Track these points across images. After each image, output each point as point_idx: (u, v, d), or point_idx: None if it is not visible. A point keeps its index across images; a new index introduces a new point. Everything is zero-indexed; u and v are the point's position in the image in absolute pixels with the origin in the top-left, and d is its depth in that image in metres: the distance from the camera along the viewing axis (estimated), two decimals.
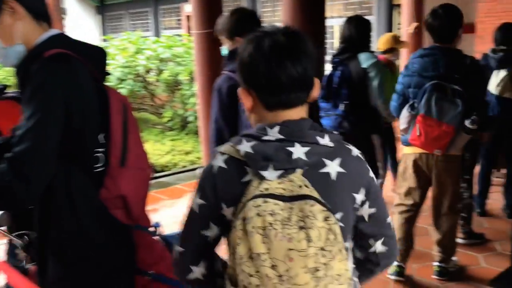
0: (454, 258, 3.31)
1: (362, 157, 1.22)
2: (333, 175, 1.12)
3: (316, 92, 1.18)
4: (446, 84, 2.76)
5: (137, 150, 1.63)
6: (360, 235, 1.26)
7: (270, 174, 1.06)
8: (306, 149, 1.09)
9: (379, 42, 4.66)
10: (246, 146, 1.09)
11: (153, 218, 1.73)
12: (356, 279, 1.28)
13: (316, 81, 1.18)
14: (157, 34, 14.15)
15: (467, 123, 2.76)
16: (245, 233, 1.02)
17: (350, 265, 1.19)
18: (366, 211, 1.22)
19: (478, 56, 7.95)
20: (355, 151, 1.21)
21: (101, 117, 1.51)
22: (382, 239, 1.27)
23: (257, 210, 1.01)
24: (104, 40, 10.80)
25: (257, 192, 1.04)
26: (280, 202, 1.02)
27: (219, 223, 1.16)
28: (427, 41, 8.37)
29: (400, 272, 3.18)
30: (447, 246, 3.16)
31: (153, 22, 15.11)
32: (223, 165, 1.13)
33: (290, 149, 1.08)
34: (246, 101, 1.17)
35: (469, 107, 2.74)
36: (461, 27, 2.92)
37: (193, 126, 7.97)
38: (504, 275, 3.05)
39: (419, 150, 2.94)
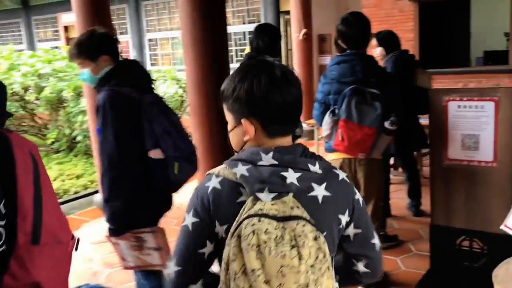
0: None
1: (348, 180, 1.30)
2: (320, 199, 1.20)
3: None
4: (364, 88, 2.82)
5: (54, 217, 1.26)
6: (345, 254, 1.34)
7: (265, 196, 1.12)
8: (298, 174, 1.16)
9: None
10: (242, 170, 1.16)
11: None
12: None
13: None
14: (31, 47, 13.05)
15: (386, 124, 2.82)
16: (240, 250, 1.07)
17: (335, 283, 1.27)
18: (351, 231, 1.29)
19: None
20: (342, 175, 1.29)
21: None
22: (365, 261, 1.35)
23: (253, 228, 1.07)
24: None
25: (252, 212, 1.10)
26: (274, 222, 1.08)
27: (213, 240, 1.20)
28: (315, 46, 8.59)
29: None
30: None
31: (26, 34, 13.88)
32: (218, 186, 1.19)
33: (284, 174, 1.15)
34: (249, 130, 1.21)
35: (387, 109, 2.82)
36: (371, 35, 3.05)
37: (82, 147, 7.32)
38: (427, 278, 3.08)
39: (343, 156, 2.96)
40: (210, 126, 3.80)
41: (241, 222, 1.10)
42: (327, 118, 2.90)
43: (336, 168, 1.28)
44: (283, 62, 10.64)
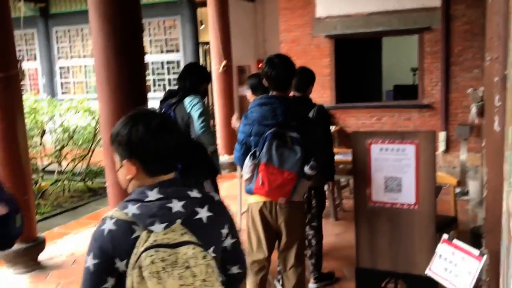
0: None
1: (221, 200, 1.56)
2: (204, 219, 1.43)
3: None
4: (285, 131, 2.79)
5: None
6: (223, 262, 1.54)
7: (157, 227, 1.32)
8: (182, 203, 1.38)
9: None
10: (132, 209, 1.35)
11: None
12: None
13: None
14: None
15: (306, 169, 2.77)
16: (142, 278, 1.26)
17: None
18: (229, 241, 1.54)
19: None
20: (216, 197, 1.55)
21: None
22: (238, 264, 1.60)
23: (151, 259, 1.26)
24: None
25: (148, 244, 1.29)
26: (168, 249, 1.29)
27: (114, 275, 1.35)
28: (235, 78, 8.59)
29: None
30: None
31: None
32: (113, 227, 1.34)
33: (170, 205, 1.37)
34: (130, 170, 1.41)
35: (307, 153, 2.78)
36: (295, 75, 2.98)
37: None
38: None
39: (263, 199, 2.88)
40: None
41: (140, 255, 1.28)
42: (248, 162, 2.82)
43: (210, 192, 1.53)
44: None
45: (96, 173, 7.22)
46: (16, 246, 3.96)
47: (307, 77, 3.66)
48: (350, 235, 4.69)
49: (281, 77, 2.88)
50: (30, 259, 4.22)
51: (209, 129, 3.70)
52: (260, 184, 2.78)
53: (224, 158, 7.96)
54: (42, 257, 4.41)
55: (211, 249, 1.42)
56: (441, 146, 7.37)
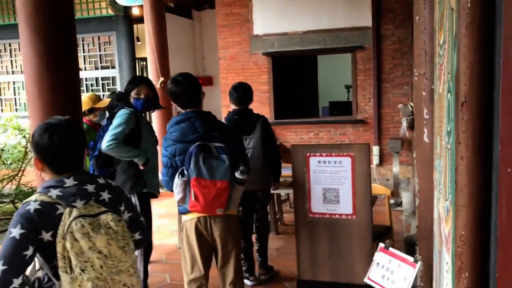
0: None
1: (119, 186, 2.07)
2: (107, 199, 1.89)
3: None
4: (208, 143, 2.84)
5: None
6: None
7: (78, 203, 1.77)
8: (94, 186, 1.85)
9: None
10: (55, 192, 1.76)
11: None
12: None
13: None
14: None
15: (237, 175, 2.85)
16: (75, 240, 1.67)
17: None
18: (126, 215, 1.99)
19: (224, 110, 8.46)
20: (114, 184, 2.02)
21: None
22: (139, 231, 2.05)
23: (81, 224, 1.69)
24: None
25: (74, 215, 1.70)
26: (91, 218, 1.73)
27: (35, 245, 1.70)
28: None
29: None
30: None
31: None
32: (39, 207, 1.72)
33: (85, 187, 1.82)
34: (38, 166, 1.83)
35: (234, 160, 2.85)
36: (201, 91, 3.08)
37: None
38: None
39: (197, 214, 2.88)
40: None
41: (69, 224, 1.68)
42: (177, 180, 2.80)
43: (109, 180, 2.00)
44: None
45: (27, 194, 6.84)
46: None
47: (247, 91, 3.90)
48: (290, 248, 4.74)
49: (190, 92, 2.93)
50: None
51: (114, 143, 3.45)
52: (194, 200, 2.77)
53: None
54: None
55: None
56: (375, 160, 7.66)
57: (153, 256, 4.79)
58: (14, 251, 1.66)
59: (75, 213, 1.69)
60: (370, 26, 7.53)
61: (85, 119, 4.46)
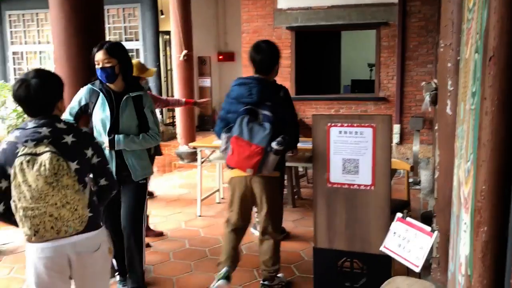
0: (280, 275, 3.44)
1: (88, 131, 2.41)
2: (69, 142, 2.10)
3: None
4: (257, 109, 3.09)
5: None
6: (93, 176, 2.24)
7: (29, 144, 2.01)
8: (50, 129, 2.07)
9: None
10: (16, 132, 2.08)
11: None
12: (94, 199, 2.24)
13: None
14: None
15: (273, 144, 2.99)
16: (15, 174, 1.98)
17: (85, 191, 2.14)
18: (95, 160, 2.20)
19: None
20: (84, 129, 2.27)
21: None
22: (104, 177, 2.26)
23: (20, 161, 1.98)
24: None
25: (21, 153, 1.99)
26: (33, 156, 1.99)
27: (6, 178, 2.05)
28: (195, 69, 8.54)
29: (228, 276, 3.21)
30: (271, 264, 3.29)
31: None
32: (5, 146, 2.07)
33: (39, 130, 2.06)
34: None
35: (277, 131, 3.02)
36: (278, 63, 3.27)
37: None
38: None
39: (239, 173, 3.17)
40: None
41: (15, 160, 1.98)
42: (224, 135, 3.16)
43: (78, 126, 2.30)
44: (163, 82, 10.42)
45: None
46: None
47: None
48: (307, 221, 4.81)
49: (264, 62, 3.16)
50: None
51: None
52: (230, 154, 3.09)
53: (183, 148, 7.92)
54: None
55: (75, 162, 2.08)
56: (395, 138, 7.61)
57: (173, 224, 4.92)
58: None
59: (21, 151, 1.97)
60: (396, 2, 7.39)
61: None
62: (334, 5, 7.79)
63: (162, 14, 10.27)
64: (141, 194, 3.25)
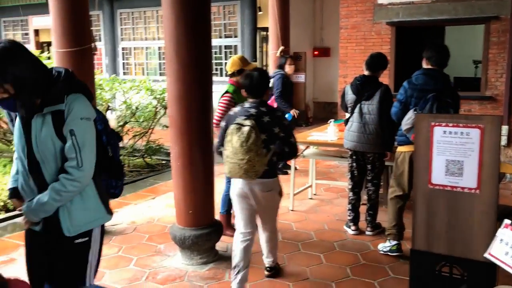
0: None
1: (279, 113, 3.29)
2: (265, 121, 3.13)
3: None
4: (443, 97, 3.58)
5: None
6: (281, 144, 3.23)
7: (241, 117, 3.12)
8: (256, 110, 3.17)
9: (227, 65, 4.56)
10: (238, 107, 3.28)
11: None
12: (273, 158, 3.23)
13: None
14: None
15: None
16: (228, 135, 3.08)
17: (268, 154, 3.14)
18: (281, 134, 3.18)
19: (341, 80, 8.37)
20: (277, 111, 3.28)
21: None
22: (288, 146, 3.24)
23: (233, 127, 3.06)
24: None
25: (234, 122, 3.09)
26: (238, 125, 3.05)
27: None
28: (294, 62, 8.54)
29: (399, 248, 3.98)
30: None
31: None
32: (231, 113, 3.29)
33: (249, 110, 3.18)
34: None
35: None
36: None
37: None
38: None
39: (411, 148, 3.62)
40: (190, 139, 3.70)
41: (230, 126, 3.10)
42: (411, 114, 3.57)
43: (272, 107, 3.31)
44: None
45: (155, 150, 7.47)
46: None
47: (380, 59, 4.39)
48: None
49: (438, 59, 3.77)
50: None
51: None
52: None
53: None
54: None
55: (265, 134, 3.12)
56: (502, 140, 7.11)
57: None
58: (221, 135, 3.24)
59: (235, 121, 3.08)
60: None
61: (232, 80, 4.39)
62: None
63: (260, 10, 10.46)
64: (77, 260, 2.23)
